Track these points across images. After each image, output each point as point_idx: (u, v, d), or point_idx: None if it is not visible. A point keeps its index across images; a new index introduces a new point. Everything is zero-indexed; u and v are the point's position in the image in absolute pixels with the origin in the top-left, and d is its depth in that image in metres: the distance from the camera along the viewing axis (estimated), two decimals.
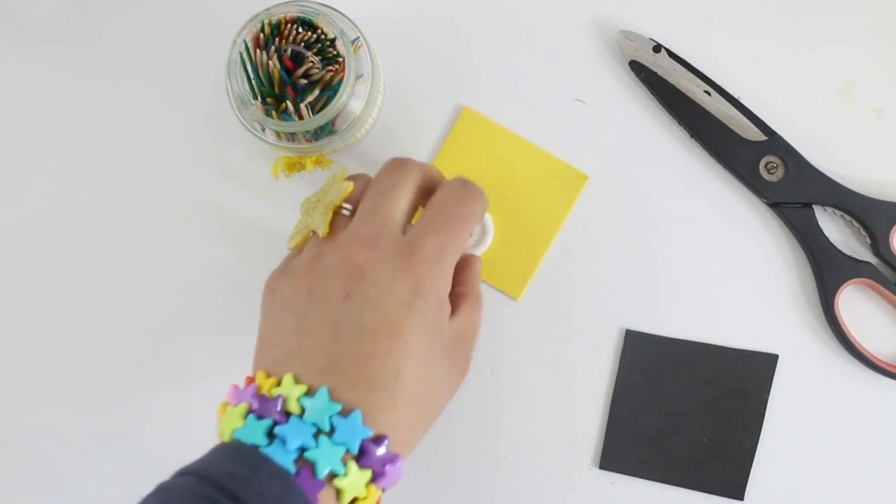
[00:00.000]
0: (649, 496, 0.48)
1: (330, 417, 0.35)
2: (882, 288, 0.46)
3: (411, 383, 0.37)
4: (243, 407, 0.36)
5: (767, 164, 0.47)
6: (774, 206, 0.47)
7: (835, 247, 0.47)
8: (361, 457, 0.35)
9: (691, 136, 0.48)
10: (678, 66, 0.47)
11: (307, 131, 0.43)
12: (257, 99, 0.43)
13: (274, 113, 0.43)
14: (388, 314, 0.37)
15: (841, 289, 0.46)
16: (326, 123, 0.43)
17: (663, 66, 0.47)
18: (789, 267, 0.48)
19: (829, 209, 0.47)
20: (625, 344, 0.48)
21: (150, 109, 0.49)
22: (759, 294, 0.48)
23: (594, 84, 0.49)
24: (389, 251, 0.38)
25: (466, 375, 0.41)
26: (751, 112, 0.47)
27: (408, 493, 0.48)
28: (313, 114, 0.43)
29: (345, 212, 0.40)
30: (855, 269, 0.47)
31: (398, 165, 0.40)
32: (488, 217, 0.48)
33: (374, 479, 0.35)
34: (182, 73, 0.49)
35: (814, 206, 0.47)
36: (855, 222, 0.47)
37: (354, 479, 0.35)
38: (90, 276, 0.49)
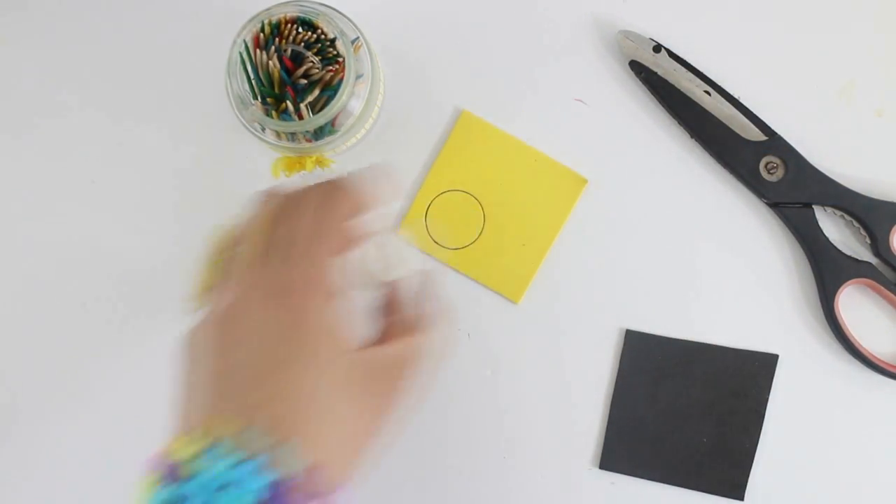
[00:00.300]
0: (649, 496, 0.48)
1: (233, 465, 0.32)
2: (882, 288, 0.46)
3: (317, 413, 0.34)
4: (151, 478, 0.34)
5: (767, 164, 0.47)
6: (774, 206, 0.47)
7: (835, 247, 0.47)
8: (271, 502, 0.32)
9: (691, 137, 0.48)
10: (678, 66, 0.47)
11: (307, 131, 0.43)
12: (257, 99, 0.43)
13: (274, 113, 0.43)
14: (264, 357, 0.35)
15: (841, 289, 0.46)
16: (326, 123, 0.43)
17: (663, 66, 0.47)
18: (789, 267, 0.48)
19: (829, 209, 0.47)
20: (625, 344, 0.48)
21: (150, 109, 0.49)
22: (759, 294, 0.48)
23: (594, 84, 0.49)
24: (263, 290, 0.36)
25: (401, 404, 0.38)
26: (751, 112, 0.47)
27: (408, 493, 0.48)
28: (313, 114, 0.43)
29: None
30: (855, 269, 0.47)
31: (294, 199, 0.38)
32: (397, 241, 0.46)
33: None
34: (182, 73, 0.49)
35: (814, 207, 0.47)
36: (855, 222, 0.47)
37: None
38: (87, 275, 0.49)
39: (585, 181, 0.48)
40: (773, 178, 0.47)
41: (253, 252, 0.37)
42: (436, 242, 0.48)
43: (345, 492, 0.35)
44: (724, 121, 0.47)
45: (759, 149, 0.47)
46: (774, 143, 0.47)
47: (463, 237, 0.48)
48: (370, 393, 0.37)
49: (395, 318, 0.40)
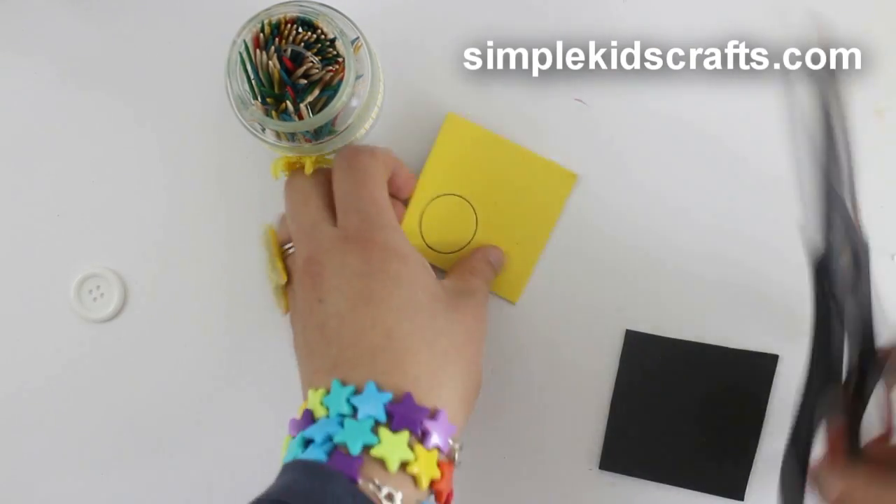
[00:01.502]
0: (649, 496, 0.48)
1: (348, 400, 0.36)
2: None
3: (408, 335, 0.38)
4: (287, 438, 0.39)
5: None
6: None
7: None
8: (392, 421, 0.36)
9: None
10: None
11: (307, 131, 0.43)
12: (257, 99, 0.43)
13: (274, 113, 0.43)
14: (355, 292, 0.39)
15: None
16: (326, 123, 0.43)
17: None
18: (788, 266, 0.48)
19: None
20: (625, 344, 0.48)
21: (150, 110, 0.49)
22: (759, 294, 0.48)
23: (594, 83, 0.49)
24: (329, 245, 0.40)
25: (483, 326, 0.42)
26: None
27: None
28: (313, 114, 0.42)
29: (291, 251, 0.44)
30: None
31: (290, 185, 0.45)
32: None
33: (422, 439, 0.36)
34: (182, 74, 0.49)
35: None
36: None
37: (391, 444, 0.35)
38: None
39: (575, 176, 0.48)
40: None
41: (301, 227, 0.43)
42: (430, 248, 0.48)
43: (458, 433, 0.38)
44: None
45: None
46: None
47: (457, 240, 0.48)
48: (454, 309, 0.41)
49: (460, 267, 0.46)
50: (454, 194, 0.48)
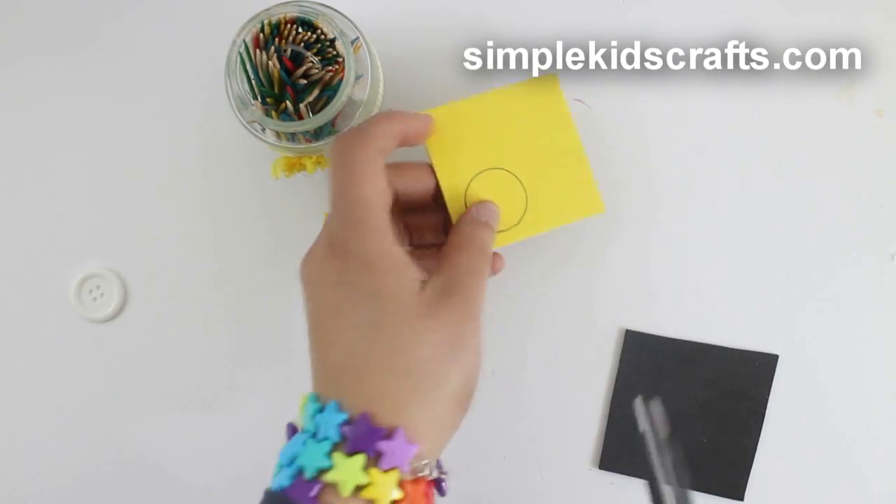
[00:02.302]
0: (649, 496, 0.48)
1: (313, 419, 0.35)
2: None
3: (367, 353, 0.36)
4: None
5: None
6: None
7: None
8: (346, 443, 0.35)
9: None
10: None
11: (307, 131, 0.43)
12: (257, 99, 0.43)
13: (274, 113, 0.43)
14: (324, 304, 0.37)
15: None
16: (326, 123, 0.43)
17: None
18: (787, 266, 0.48)
19: None
20: (625, 344, 0.48)
21: (150, 110, 0.49)
22: (758, 294, 0.48)
23: (594, 83, 0.49)
24: (316, 250, 0.38)
25: (467, 325, 0.37)
26: None
27: None
28: (313, 114, 0.42)
29: None
30: None
31: None
32: None
33: (378, 461, 0.35)
34: (182, 74, 0.49)
35: None
36: None
37: (345, 468, 0.34)
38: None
39: (603, 209, 0.44)
40: None
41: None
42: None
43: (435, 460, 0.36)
44: None
45: None
46: None
47: (512, 209, 0.44)
48: (428, 320, 0.37)
49: (448, 247, 0.40)
50: (481, 171, 0.44)
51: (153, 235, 0.49)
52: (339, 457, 0.34)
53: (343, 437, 0.35)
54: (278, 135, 0.44)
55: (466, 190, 0.43)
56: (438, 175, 0.43)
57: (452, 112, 0.44)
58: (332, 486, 0.34)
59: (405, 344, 0.36)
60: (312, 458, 0.34)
